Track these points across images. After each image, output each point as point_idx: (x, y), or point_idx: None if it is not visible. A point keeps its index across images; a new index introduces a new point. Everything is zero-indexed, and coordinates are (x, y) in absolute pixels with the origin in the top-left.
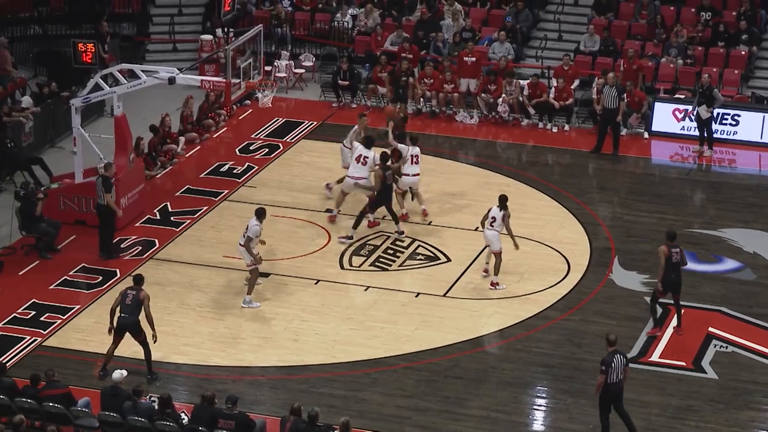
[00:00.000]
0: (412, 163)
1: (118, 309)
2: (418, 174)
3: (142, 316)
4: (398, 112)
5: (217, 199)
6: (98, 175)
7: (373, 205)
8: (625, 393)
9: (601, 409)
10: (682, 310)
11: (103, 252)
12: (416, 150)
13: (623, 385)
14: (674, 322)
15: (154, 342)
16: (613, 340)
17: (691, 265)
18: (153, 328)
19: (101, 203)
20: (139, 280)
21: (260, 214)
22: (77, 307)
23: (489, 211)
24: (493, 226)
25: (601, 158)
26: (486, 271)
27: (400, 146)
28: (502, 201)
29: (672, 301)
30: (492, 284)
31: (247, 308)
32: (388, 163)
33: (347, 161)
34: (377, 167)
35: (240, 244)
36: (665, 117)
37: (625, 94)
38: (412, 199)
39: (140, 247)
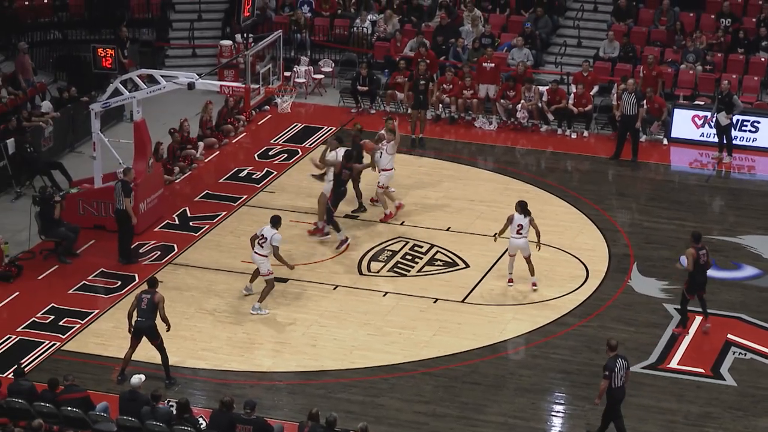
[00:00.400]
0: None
1: (134, 313)
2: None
3: (159, 320)
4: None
5: (236, 204)
6: (117, 179)
7: (335, 204)
8: (643, 399)
9: (613, 415)
10: (700, 317)
11: (122, 257)
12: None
13: (625, 389)
14: (695, 325)
15: (167, 330)
16: (614, 345)
17: (711, 272)
18: (168, 323)
19: (120, 208)
20: (153, 283)
21: (276, 222)
22: (96, 311)
23: (510, 219)
24: (521, 233)
25: (621, 165)
26: (512, 280)
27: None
28: (524, 207)
29: (690, 308)
30: (533, 285)
31: (256, 315)
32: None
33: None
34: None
35: (258, 254)
36: (685, 123)
37: (644, 101)
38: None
39: (159, 252)
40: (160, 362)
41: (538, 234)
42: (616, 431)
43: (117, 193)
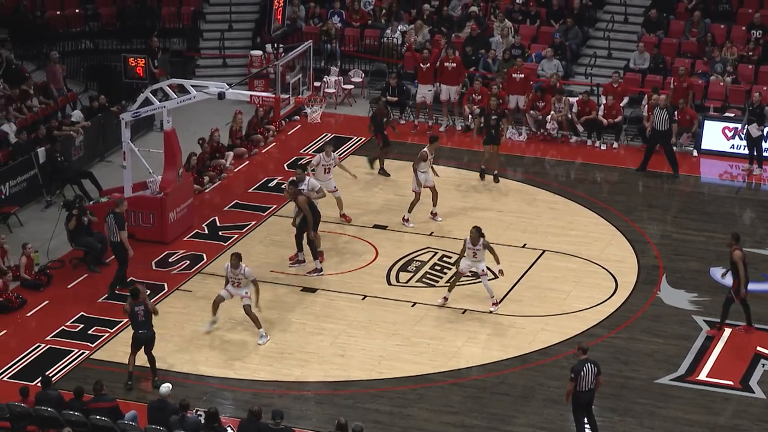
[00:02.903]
0: (325, 172)
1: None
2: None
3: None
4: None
5: (265, 213)
6: (109, 212)
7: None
8: (671, 411)
9: (575, 416)
10: (734, 328)
11: (111, 290)
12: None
13: (594, 394)
14: (724, 337)
15: (155, 315)
16: (585, 348)
17: None
18: (155, 313)
19: (115, 240)
20: (136, 293)
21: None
22: (125, 320)
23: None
24: (476, 257)
25: (650, 176)
26: (446, 298)
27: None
28: (479, 231)
29: (716, 321)
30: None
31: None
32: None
33: (425, 182)
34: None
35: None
36: (715, 135)
37: (675, 113)
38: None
39: (188, 262)
40: (150, 366)
41: (494, 256)
42: None
43: (110, 225)
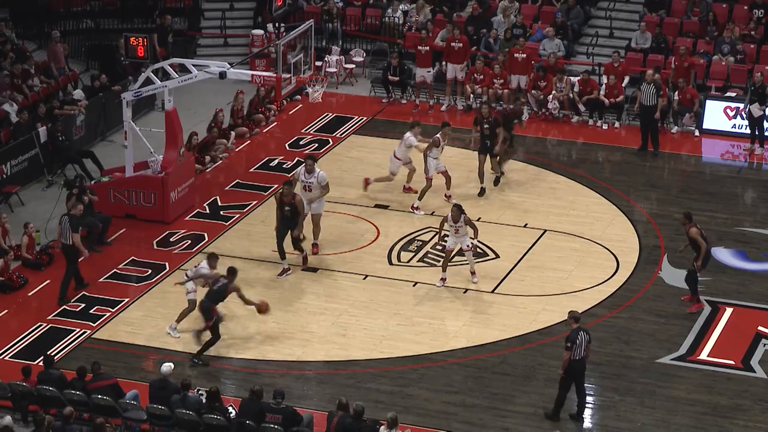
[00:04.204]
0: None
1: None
2: None
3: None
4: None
5: (266, 193)
6: (64, 214)
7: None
8: (673, 391)
9: (563, 384)
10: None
11: (61, 298)
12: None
13: (586, 362)
14: (725, 316)
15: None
16: (578, 316)
17: (741, 264)
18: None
19: (66, 243)
20: (232, 271)
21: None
22: (126, 300)
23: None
24: (458, 233)
25: (651, 156)
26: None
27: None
28: (461, 209)
29: (720, 300)
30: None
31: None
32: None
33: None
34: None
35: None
36: (716, 115)
37: (662, 92)
38: None
39: (189, 241)
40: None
41: (475, 232)
42: (555, 402)
43: (64, 227)
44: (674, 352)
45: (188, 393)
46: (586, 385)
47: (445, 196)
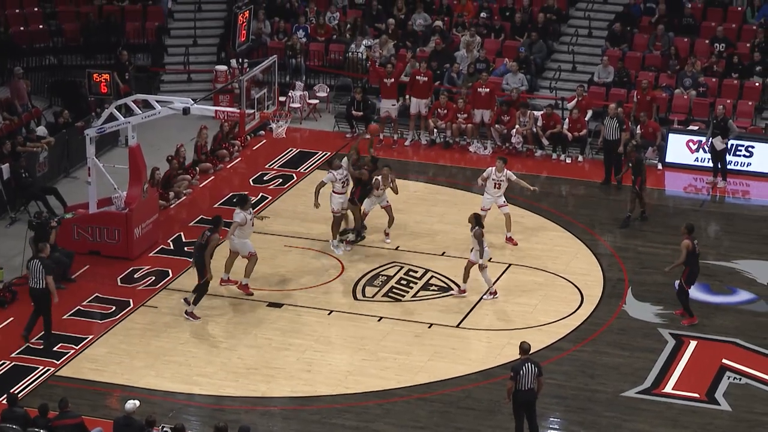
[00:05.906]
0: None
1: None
2: None
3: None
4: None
5: (230, 229)
6: (34, 257)
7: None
8: (638, 424)
9: (515, 415)
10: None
11: (47, 339)
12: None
13: (536, 395)
14: (690, 349)
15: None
16: (527, 348)
17: (705, 297)
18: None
19: (37, 287)
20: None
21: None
22: (90, 337)
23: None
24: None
25: (614, 190)
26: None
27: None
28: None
29: (684, 333)
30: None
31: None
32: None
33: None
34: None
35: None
36: (679, 148)
37: (625, 126)
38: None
39: (153, 277)
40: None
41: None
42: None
43: (36, 271)
44: (639, 385)
45: (153, 430)
46: (551, 419)
47: (385, 233)
